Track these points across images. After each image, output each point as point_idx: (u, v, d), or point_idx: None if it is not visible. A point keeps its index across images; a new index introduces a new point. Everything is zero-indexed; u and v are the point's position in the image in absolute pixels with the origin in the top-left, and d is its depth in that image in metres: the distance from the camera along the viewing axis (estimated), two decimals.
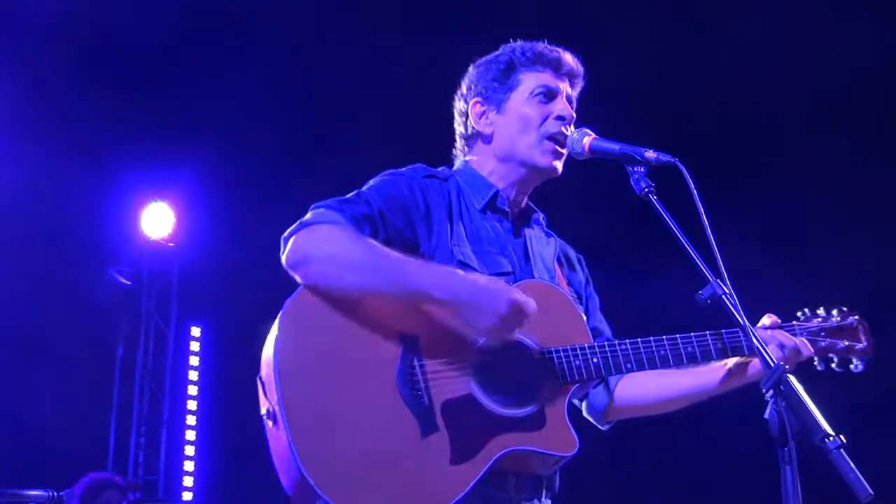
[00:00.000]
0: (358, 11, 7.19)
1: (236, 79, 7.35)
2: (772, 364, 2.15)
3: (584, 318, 2.74)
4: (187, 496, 8.42)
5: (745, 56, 7.22)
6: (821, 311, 2.86)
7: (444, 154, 3.14)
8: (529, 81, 2.81)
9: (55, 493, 5.08)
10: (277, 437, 2.39)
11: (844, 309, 2.87)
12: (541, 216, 2.93)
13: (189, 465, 8.47)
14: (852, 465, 1.96)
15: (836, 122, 7.23)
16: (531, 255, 2.79)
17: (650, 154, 2.50)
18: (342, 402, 2.38)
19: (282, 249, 2.53)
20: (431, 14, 7.09)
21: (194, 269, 8.71)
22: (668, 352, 2.61)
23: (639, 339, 2.61)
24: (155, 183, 8.33)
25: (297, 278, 2.50)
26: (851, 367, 2.82)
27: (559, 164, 2.80)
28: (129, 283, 8.63)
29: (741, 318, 2.27)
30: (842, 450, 1.97)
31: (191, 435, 8.54)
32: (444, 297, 2.42)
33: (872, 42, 6.84)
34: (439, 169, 2.84)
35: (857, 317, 2.87)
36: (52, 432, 7.27)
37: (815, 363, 2.81)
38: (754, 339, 2.23)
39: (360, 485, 2.34)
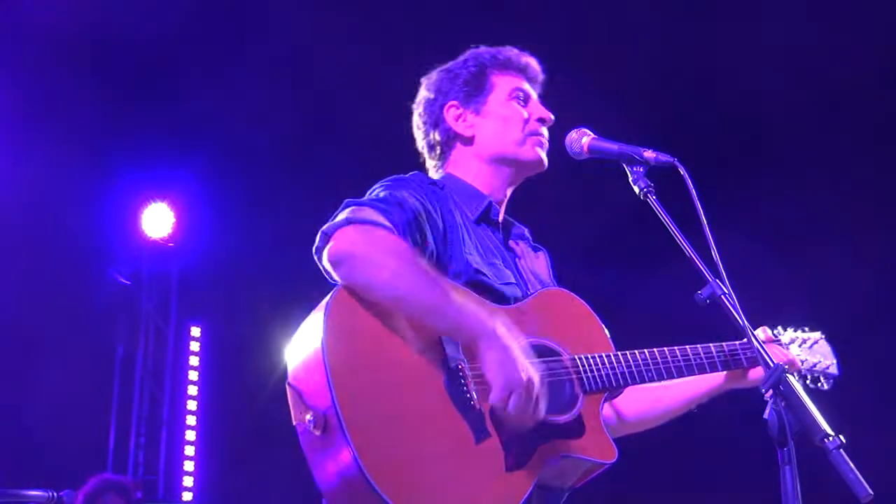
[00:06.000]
0: (358, 11, 7.18)
1: (236, 79, 7.34)
2: (771, 364, 2.16)
3: (605, 327, 2.73)
4: (187, 496, 8.41)
5: (744, 56, 7.21)
6: (790, 330, 2.94)
7: None
8: (504, 84, 2.83)
9: (55, 494, 5.07)
10: (329, 445, 2.24)
11: (807, 329, 2.96)
12: (525, 231, 2.92)
13: (189, 465, 8.46)
14: (852, 465, 1.96)
15: (836, 121, 7.22)
16: (521, 270, 2.78)
17: (649, 154, 2.51)
18: (396, 407, 2.30)
19: (320, 242, 2.43)
20: (432, 15, 7.09)
21: (194, 269, 8.71)
22: (682, 363, 2.65)
23: (655, 350, 2.64)
24: (155, 183, 8.32)
25: (336, 274, 2.40)
26: (819, 385, 2.92)
27: (545, 157, 2.81)
28: (128, 283, 8.63)
29: (740, 319, 2.27)
30: (841, 450, 1.97)
31: (191, 435, 8.53)
32: (479, 344, 2.34)
33: (873, 41, 6.83)
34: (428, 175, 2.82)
35: (822, 337, 2.97)
36: (52, 432, 7.26)
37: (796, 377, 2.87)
38: (754, 340, 2.24)
39: (427, 494, 2.26)
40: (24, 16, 6.82)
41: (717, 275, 2.31)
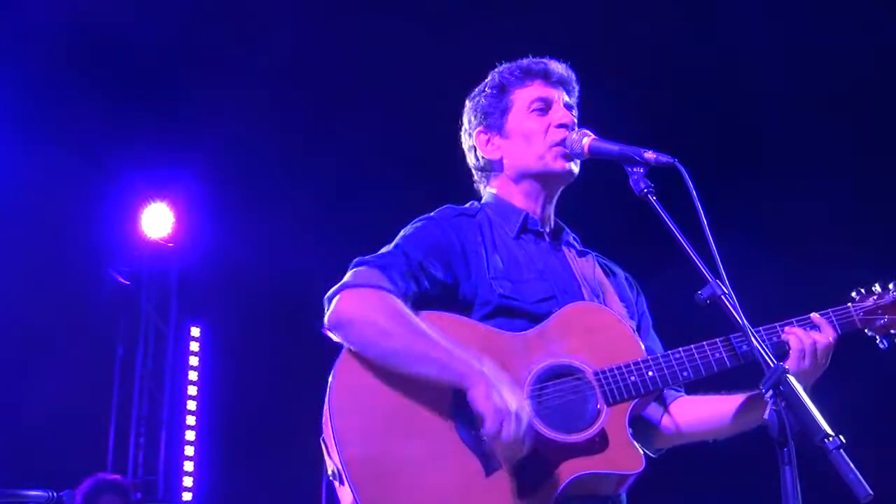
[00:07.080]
0: (360, 10, 7.18)
1: (237, 79, 7.34)
2: (771, 364, 2.16)
3: (637, 334, 2.70)
4: (187, 496, 8.41)
5: (745, 55, 7.22)
6: (876, 288, 2.78)
7: (446, 154, 3.13)
8: (524, 97, 2.83)
9: (55, 494, 5.08)
10: (347, 498, 2.42)
11: None
12: (571, 236, 2.92)
13: (189, 465, 8.47)
14: (852, 465, 1.96)
15: (837, 120, 7.22)
16: (575, 275, 2.78)
17: (649, 154, 2.51)
18: (404, 454, 2.40)
19: (326, 309, 2.54)
20: (434, 9, 7.08)
21: (194, 270, 8.71)
22: (724, 353, 2.58)
23: (692, 346, 2.58)
24: (155, 183, 8.33)
25: (337, 338, 2.52)
26: None
27: (574, 166, 2.80)
28: (128, 283, 8.63)
29: (740, 319, 2.27)
30: (841, 450, 1.97)
31: (191, 435, 8.54)
32: (465, 383, 2.39)
33: (873, 39, 6.83)
34: (467, 205, 2.85)
35: None
36: (52, 432, 7.27)
37: (878, 341, 2.76)
38: (753, 340, 2.24)
39: None
40: (23, 16, 6.82)
41: (717, 275, 2.30)
